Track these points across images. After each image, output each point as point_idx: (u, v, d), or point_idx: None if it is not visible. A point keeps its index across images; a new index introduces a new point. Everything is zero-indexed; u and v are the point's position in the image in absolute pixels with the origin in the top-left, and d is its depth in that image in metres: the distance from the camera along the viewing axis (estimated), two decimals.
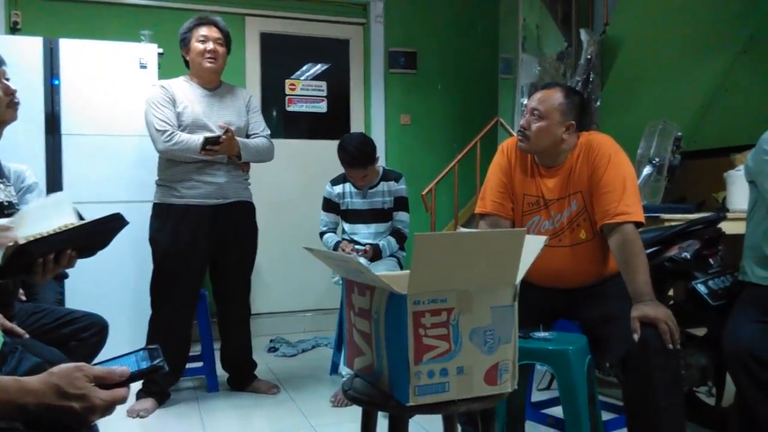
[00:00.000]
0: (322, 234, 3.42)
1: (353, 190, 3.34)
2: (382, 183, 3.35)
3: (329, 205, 3.41)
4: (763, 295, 2.06)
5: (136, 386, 2.88)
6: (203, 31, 2.90)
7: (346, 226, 3.42)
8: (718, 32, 3.88)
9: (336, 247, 3.28)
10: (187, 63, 2.99)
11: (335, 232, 3.43)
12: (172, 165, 2.87)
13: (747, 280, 2.16)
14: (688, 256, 2.38)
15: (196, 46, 2.90)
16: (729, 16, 3.85)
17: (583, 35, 3.81)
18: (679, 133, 3.13)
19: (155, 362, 1.04)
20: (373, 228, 3.35)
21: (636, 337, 1.86)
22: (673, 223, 2.65)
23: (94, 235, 1.64)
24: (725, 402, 2.49)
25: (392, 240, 3.31)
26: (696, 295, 2.33)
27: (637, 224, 2.01)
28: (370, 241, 3.29)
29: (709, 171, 3.50)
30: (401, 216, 3.37)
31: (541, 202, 2.16)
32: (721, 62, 4.02)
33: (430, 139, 4.98)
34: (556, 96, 2.08)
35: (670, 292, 2.85)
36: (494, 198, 2.22)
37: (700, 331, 2.53)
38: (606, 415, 2.38)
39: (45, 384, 0.96)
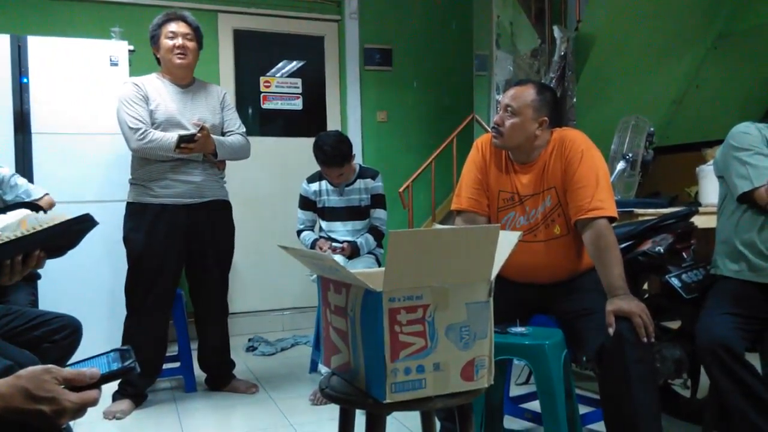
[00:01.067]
0: (299, 232, 3.40)
1: (330, 187, 3.33)
2: (358, 180, 3.34)
3: (306, 203, 3.39)
4: (734, 288, 2.10)
5: (112, 387, 2.85)
6: (172, 27, 2.86)
7: (323, 224, 3.41)
8: (688, 29, 3.94)
9: (313, 245, 3.26)
10: (158, 60, 2.95)
11: (312, 230, 3.42)
12: (146, 164, 2.83)
13: (719, 274, 2.19)
14: (662, 250, 2.42)
15: (165, 42, 2.86)
16: (699, 12, 3.91)
17: (557, 32, 3.84)
18: (652, 129, 3.17)
19: (126, 363, 1.03)
20: (350, 226, 3.34)
21: (611, 330, 1.87)
22: (646, 218, 2.68)
23: (62, 236, 1.61)
24: (700, 394, 2.53)
25: (370, 237, 3.31)
26: (670, 288, 2.36)
27: (611, 219, 2.02)
28: (347, 239, 3.29)
29: (682, 166, 3.56)
30: (379, 213, 3.37)
31: (516, 198, 2.17)
32: (691, 58, 4.09)
33: (406, 136, 4.98)
34: (529, 92, 2.10)
35: (645, 286, 2.89)
36: (470, 195, 2.23)
37: (675, 324, 2.57)
38: (583, 409, 2.41)
39: (12, 387, 0.93)
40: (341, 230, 3.34)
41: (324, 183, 3.34)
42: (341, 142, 3.20)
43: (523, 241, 2.13)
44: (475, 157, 2.26)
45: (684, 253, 2.47)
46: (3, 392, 0.93)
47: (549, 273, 2.15)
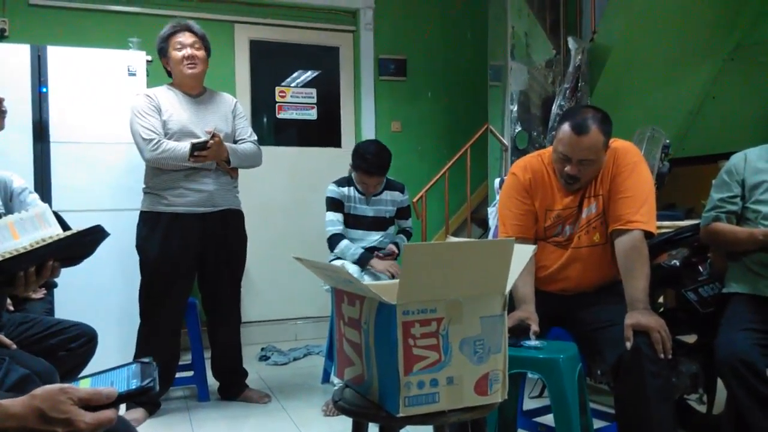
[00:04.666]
0: (335, 237, 3.23)
1: (357, 195, 3.31)
2: (386, 192, 3.36)
3: (337, 205, 3.27)
4: (750, 304, 2.08)
5: None
6: (179, 38, 2.89)
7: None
8: (705, 40, 3.91)
9: (363, 261, 3.16)
10: (168, 72, 2.99)
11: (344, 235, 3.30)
12: (160, 173, 2.86)
13: (732, 291, 2.18)
14: (678, 264, 2.40)
15: (175, 54, 2.89)
16: (716, 24, 3.89)
17: (571, 43, 3.83)
18: (668, 140, 3.15)
19: (146, 383, 1.01)
20: (372, 235, 3.32)
21: (628, 344, 1.87)
22: (662, 231, 2.66)
23: (74, 247, 1.63)
24: (716, 409, 2.50)
25: (405, 239, 3.46)
26: (686, 302, 2.34)
27: (647, 235, 2.04)
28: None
29: (698, 178, 3.53)
30: (407, 222, 3.51)
31: (564, 213, 2.18)
32: (708, 70, 4.06)
33: (420, 146, 4.99)
34: (597, 137, 2.01)
35: (660, 299, 2.86)
36: (515, 221, 2.23)
37: (691, 338, 2.54)
38: (597, 423, 2.38)
39: (27, 407, 0.92)
40: (362, 238, 3.31)
41: (352, 189, 3.31)
42: (383, 151, 3.23)
43: (563, 247, 2.16)
44: (515, 185, 2.24)
45: (700, 267, 2.45)
46: (17, 413, 0.92)
47: (582, 280, 2.17)
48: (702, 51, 3.97)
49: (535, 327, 2.00)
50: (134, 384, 1.01)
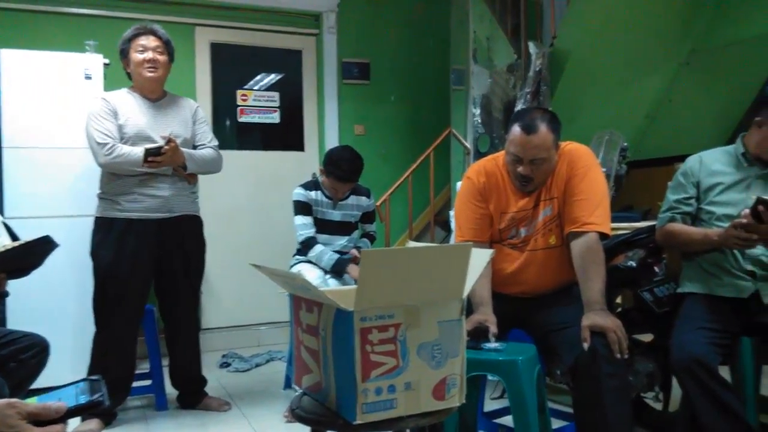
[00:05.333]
0: (310, 239, 3.20)
1: (324, 199, 3.29)
2: (352, 197, 3.35)
3: (305, 208, 3.24)
4: (704, 303, 2.12)
5: None
6: (142, 41, 2.85)
7: None
8: (661, 46, 4.00)
9: (339, 266, 3.16)
10: (129, 75, 2.93)
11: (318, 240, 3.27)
12: (115, 178, 2.81)
13: (687, 291, 2.22)
14: (634, 265, 2.45)
15: (136, 56, 2.84)
16: (672, 29, 3.98)
17: (532, 48, 3.88)
18: (625, 144, 3.21)
19: (95, 397, 1.00)
20: (338, 240, 3.31)
21: (586, 345, 1.90)
22: (619, 232, 2.70)
23: (22, 259, 1.59)
24: (672, 406, 2.55)
25: (368, 242, 3.48)
26: (642, 302, 2.38)
27: (602, 236, 2.07)
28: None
29: (654, 180, 3.59)
30: (371, 226, 3.53)
31: (518, 216, 2.20)
32: (664, 74, 4.16)
33: (384, 150, 4.98)
34: (547, 136, 2.05)
35: (618, 300, 2.91)
36: (470, 226, 2.24)
37: (647, 338, 2.59)
38: (557, 423, 2.41)
39: None
40: (327, 243, 3.28)
41: (319, 193, 3.28)
42: (357, 158, 3.23)
43: (519, 249, 2.18)
44: (470, 189, 2.26)
45: (656, 267, 2.50)
46: None
47: (539, 283, 2.19)
48: (659, 56, 4.06)
49: (493, 329, 2.01)
50: (83, 399, 1.00)
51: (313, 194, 3.27)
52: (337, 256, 3.19)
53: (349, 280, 3.16)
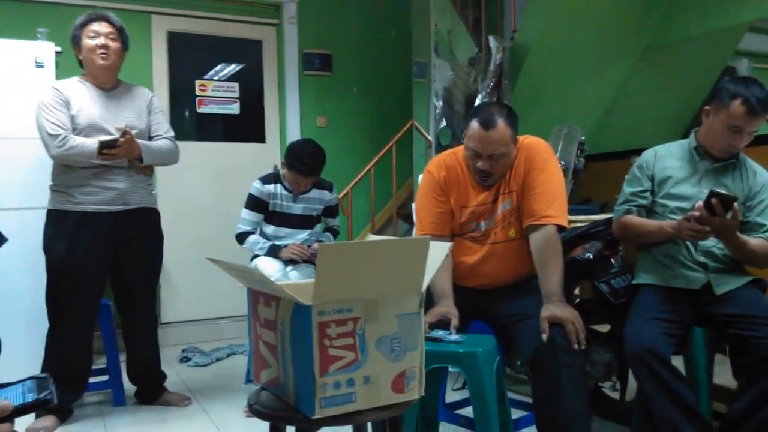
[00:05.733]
0: (243, 234, 3.24)
1: (285, 192, 3.26)
2: (314, 190, 3.34)
3: (257, 204, 3.24)
4: (657, 294, 2.17)
5: None
6: (94, 26, 2.76)
7: (269, 229, 3.31)
8: (618, 41, 4.07)
9: (272, 251, 3.18)
10: (80, 63, 2.85)
11: (256, 233, 3.30)
12: (68, 170, 2.73)
13: (642, 282, 2.27)
14: (591, 257, 2.49)
15: (87, 42, 2.76)
16: (628, 25, 4.05)
17: (492, 42, 3.90)
18: (583, 137, 3.25)
19: (42, 395, 0.99)
20: (299, 233, 3.30)
21: (544, 336, 1.92)
22: (577, 225, 2.74)
23: None
24: (628, 396, 2.60)
25: (330, 236, 3.46)
26: (599, 293, 2.43)
27: (560, 229, 2.11)
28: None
29: (611, 173, 3.66)
30: (335, 221, 3.52)
31: (478, 210, 2.21)
32: (621, 69, 4.23)
33: (346, 142, 4.96)
34: (504, 130, 2.07)
35: (577, 291, 2.96)
36: (431, 220, 2.25)
37: (605, 328, 2.64)
38: (518, 413, 2.44)
39: None
40: (289, 236, 3.28)
41: (279, 186, 3.26)
42: (319, 152, 3.21)
43: (480, 243, 2.19)
44: (430, 184, 2.27)
45: (612, 259, 2.54)
46: None
47: (499, 275, 2.21)
48: (616, 51, 4.13)
49: (455, 321, 2.02)
50: (30, 397, 0.98)
51: (271, 188, 3.24)
52: (270, 243, 3.21)
53: (305, 269, 3.18)
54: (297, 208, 3.28)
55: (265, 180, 3.27)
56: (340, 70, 4.96)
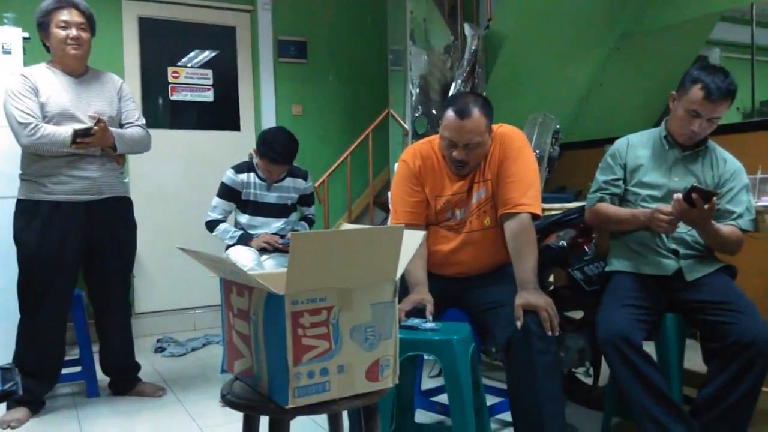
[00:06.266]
0: (213, 222, 3.25)
1: (258, 181, 3.25)
2: (288, 179, 3.32)
3: (229, 193, 3.23)
4: (630, 281, 2.19)
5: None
6: (64, 15, 2.70)
7: (243, 218, 3.29)
8: (593, 30, 4.09)
9: (243, 240, 3.18)
10: (46, 48, 2.78)
11: (226, 221, 3.31)
12: (39, 159, 2.67)
13: (614, 270, 2.29)
14: (565, 244, 2.51)
15: (58, 32, 2.70)
16: (603, 14, 4.06)
17: (467, 30, 3.89)
18: (558, 126, 3.27)
19: (7, 387, 0.96)
20: (273, 222, 3.30)
21: (519, 324, 1.94)
22: (552, 213, 2.76)
23: None
24: (601, 381, 2.64)
25: (306, 225, 3.43)
26: (573, 280, 2.45)
27: (534, 217, 2.12)
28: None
29: (586, 161, 3.68)
30: (309, 210, 3.49)
31: (454, 199, 2.22)
32: (596, 58, 4.25)
33: (322, 130, 4.94)
34: (480, 120, 2.07)
35: (551, 278, 2.98)
36: (406, 209, 2.26)
37: (579, 315, 2.67)
38: (492, 399, 2.46)
39: None
40: (263, 226, 3.27)
41: (253, 175, 3.25)
42: (291, 140, 3.19)
43: (455, 231, 2.20)
44: (406, 173, 2.27)
45: (586, 247, 2.57)
46: None
47: (475, 263, 2.23)
48: (590, 40, 4.14)
49: (430, 307, 2.03)
50: None
51: (244, 177, 3.23)
52: (240, 232, 3.21)
53: (277, 258, 3.18)
54: (271, 197, 3.26)
55: (238, 169, 3.25)
56: (315, 57, 4.92)
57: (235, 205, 3.28)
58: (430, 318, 2.01)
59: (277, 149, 3.11)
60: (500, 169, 2.16)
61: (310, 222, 3.49)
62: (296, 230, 3.33)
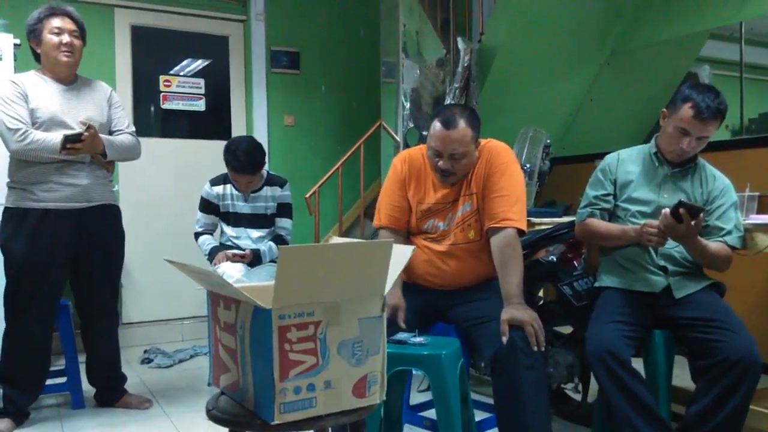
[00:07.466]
0: (197, 235, 3.30)
1: (235, 192, 3.25)
2: (266, 188, 3.29)
3: (207, 206, 3.28)
4: (618, 297, 2.19)
5: None
6: (56, 22, 2.69)
7: (228, 229, 3.30)
8: (583, 45, 4.12)
9: (212, 253, 3.17)
10: (37, 56, 2.77)
11: (212, 234, 3.31)
12: (27, 165, 2.65)
13: (604, 285, 2.30)
14: (555, 259, 2.51)
15: (50, 38, 2.69)
16: (593, 30, 4.10)
17: (460, 43, 3.92)
18: (548, 140, 3.28)
19: None
20: (255, 232, 3.28)
21: (505, 339, 1.94)
22: (542, 227, 2.77)
23: None
24: (590, 397, 2.63)
25: (273, 246, 3.26)
26: (562, 295, 2.45)
27: (520, 232, 2.13)
28: (252, 246, 3.23)
29: (576, 176, 3.70)
30: (284, 222, 3.33)
31: (435, 208, 2.23)
32: (586, 74, 4.28)
33: (314, 141, 4.94)
34: (465, 131, 2.10)
35: (541, 293, 2.98)
36: (389, 212, 2.29)
37: (568, 330, 2.67)
38: (481, 414, 2.45)
39: None
40: (245, 237, 3.27)
41: (229, 187, 3.25)
42: (255, 148, 3.14)
43: (437, 242, 2.20)
44: (393, 177, 2.31)
45: (575, 262, 2.57)
46: None
47: (460, 277, 2.22)
48: (581, 56, 4.18)
49: (401, 315, 2.07)
50: None
51: (220, 189, 3.25)
52: (212, 246, 3.22)
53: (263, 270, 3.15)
54: (247, 208, 3.26)
55: (214, 182, 3.27)
56: (308, 68, 4.92)
57: (216, 217, 3.30)
58: (403, 325, 2.00)
59: (239, 157, 3.08)
60: (487, 184, 2.17)
61: (281, 241, 3.29)
62: (258, 249, 3.23)
